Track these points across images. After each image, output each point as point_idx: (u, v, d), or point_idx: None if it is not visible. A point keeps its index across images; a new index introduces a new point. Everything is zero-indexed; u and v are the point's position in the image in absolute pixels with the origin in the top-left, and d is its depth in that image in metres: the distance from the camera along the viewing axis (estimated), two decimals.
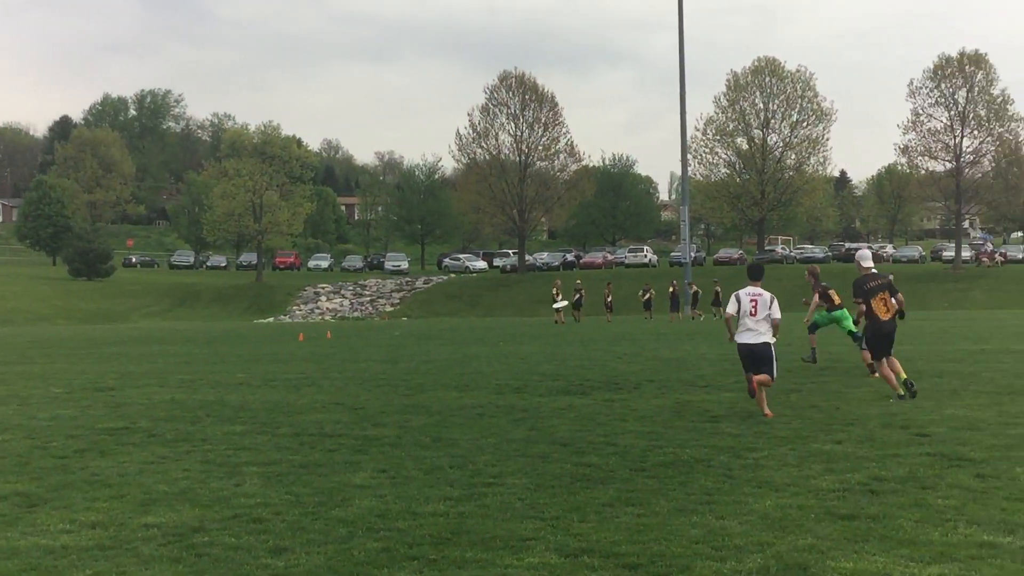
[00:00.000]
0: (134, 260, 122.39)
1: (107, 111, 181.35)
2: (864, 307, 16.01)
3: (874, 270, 16.36)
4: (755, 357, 14.29)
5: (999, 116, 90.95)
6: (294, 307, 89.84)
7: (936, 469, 9.99)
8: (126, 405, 17.16)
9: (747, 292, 14.45)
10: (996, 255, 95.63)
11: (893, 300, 15.95)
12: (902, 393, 15.36)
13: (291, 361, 27.71)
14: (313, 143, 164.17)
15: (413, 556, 7.31)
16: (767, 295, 14.38)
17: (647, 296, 61.43)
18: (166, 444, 12.75)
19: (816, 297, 22.15)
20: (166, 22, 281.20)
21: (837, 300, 22.02)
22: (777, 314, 14.37)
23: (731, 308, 14.50)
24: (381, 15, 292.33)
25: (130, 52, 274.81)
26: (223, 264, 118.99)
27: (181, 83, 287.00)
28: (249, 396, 18.34)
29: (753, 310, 14.30)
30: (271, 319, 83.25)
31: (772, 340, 14.35)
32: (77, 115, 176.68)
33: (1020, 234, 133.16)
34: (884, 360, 16.03)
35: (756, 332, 14.30)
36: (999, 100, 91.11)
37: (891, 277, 16.31)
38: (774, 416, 13.91)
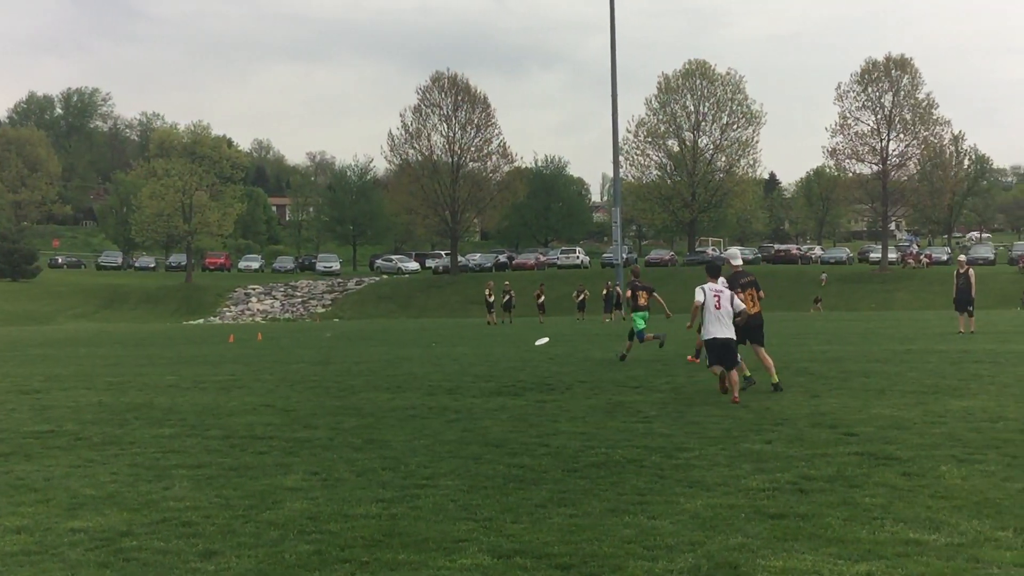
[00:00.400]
0: (60, 261, 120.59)
1: (32, 110, 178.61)
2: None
3: (743, 268, 18.22)
4: (727, 350, 15.58)
5: (924, 120, 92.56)
6: (224, 308, 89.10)
7: (863, 468, 10.12)
8: (52, 408, 16.89)
9: (709, 287, 15.68)
10: (922, 257, 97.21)
11: (760, 295, 17.70)
12: (737, 391, 15.77)
13: (221, 363, 27.44)
14: (244, 143, 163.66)
15: (345, 559, 7.27)
16: (727, 292, 15.76)
17: (581, 297, 61.79)
18: (93, 447, 12.57)
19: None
20: (94, 20, 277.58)
21: (643, 301, 25.03)
22: (740, 306, 15.83)
23: (699, 297, 15.62)
24: (313, 15, 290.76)
25: (56, 50, 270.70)
26: (152, 265, 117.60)
27: (109, 82, 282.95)
28: (178, 398, 18.14)
29: (717, 304, 15.58)
30: (201, 320, 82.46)
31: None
32: (1, 114, 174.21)
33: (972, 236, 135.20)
34: (759, 349, 17.40)
35: (725, 326, 15.59)
36: (924, 104, 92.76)
37: (753, 277, 17.98)
38: (705, 417, 14.01)
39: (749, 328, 17.06)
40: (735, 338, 15.71)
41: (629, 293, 25.43)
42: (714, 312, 15.49)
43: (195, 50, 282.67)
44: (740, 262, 18.36)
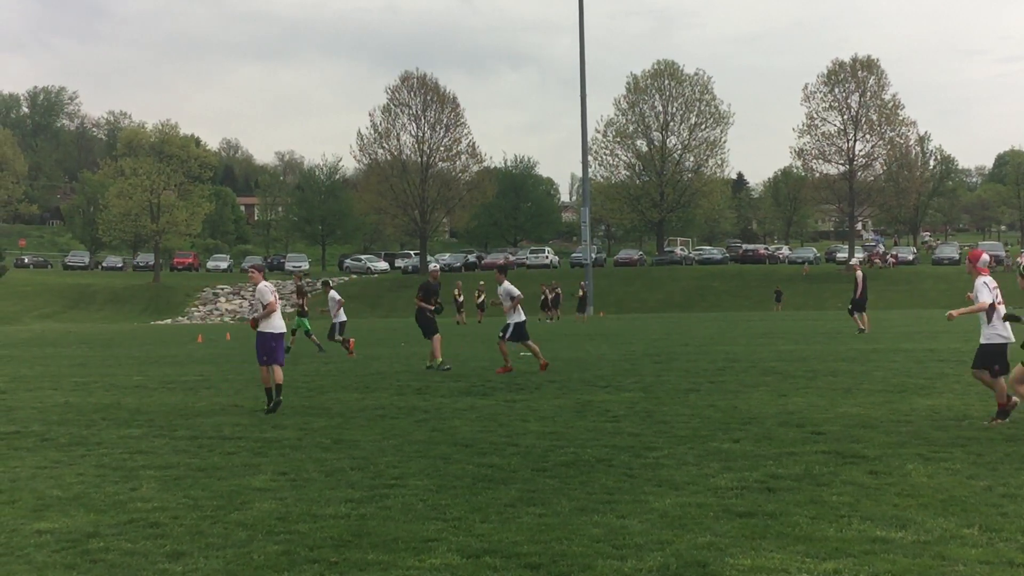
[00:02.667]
0: (27, 260, 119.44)
1: None
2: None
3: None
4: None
5: (890, 120, 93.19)
6: (192, 308, 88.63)
7: (831, 466, 10.19)
8: (18, 409, 16.76)
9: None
10: (888, 257, 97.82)
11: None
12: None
13: (189, 363, 27.32)
14: (212, 142, 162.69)
15: (314, 559, 7.25)
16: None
17: (554, 295, 61.91)
18: (60, 448, 12.49)
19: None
20: (58, 18, 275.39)
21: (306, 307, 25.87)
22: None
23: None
24: (281, 14, 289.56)
25: (21, 49, 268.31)
26: (119, 265, 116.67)
27: (75, 81, 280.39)
28: (146, 399, 18.05)
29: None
30: (169, 320, 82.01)
31: None
32: None
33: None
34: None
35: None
36: (890, 105, 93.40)
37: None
38: (674, 416, 14.06)
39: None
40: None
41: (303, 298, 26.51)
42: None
43: (162, 49, 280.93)
44: (437, 267, 19.71)
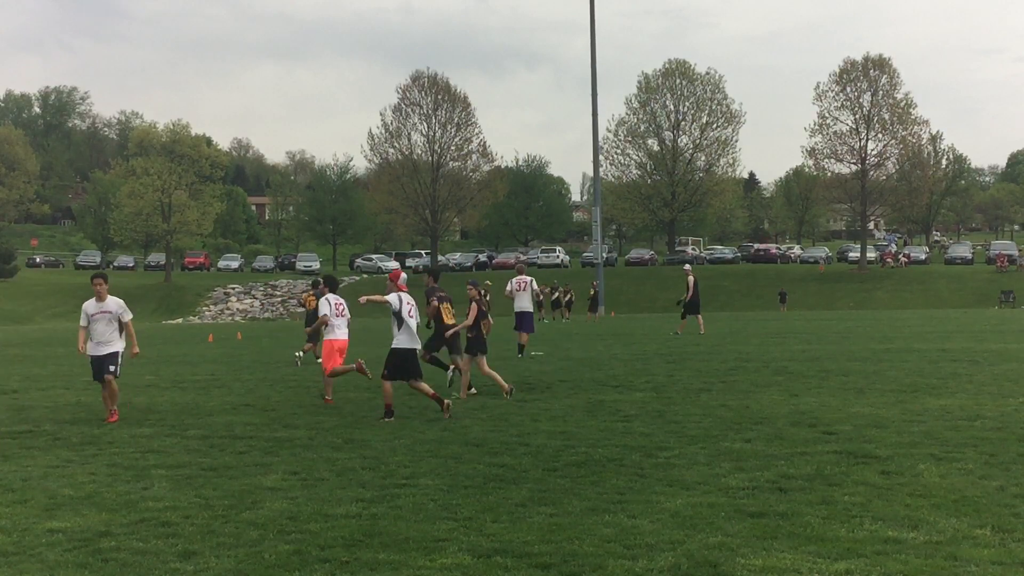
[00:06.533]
0: (38, 260, 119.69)
1: (10, 108, 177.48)
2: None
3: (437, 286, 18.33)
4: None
5: (902, 119, 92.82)
6: (204, 308, 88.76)
7: (842, 467, 10.16)
8: (30, 408, 16.81)
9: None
10: (900, 256, 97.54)
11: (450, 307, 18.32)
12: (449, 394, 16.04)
13: (201, 363, 27.36)
14: (223, 142, 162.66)
15: (325, 559, 7.26)
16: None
17: (567, 296, 61.75)
18: (72, 447, 12.52)
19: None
20: (72, 18, 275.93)
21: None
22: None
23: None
24: (295, 14, 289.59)
25: (38, 49, 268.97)
26: (131, 264, 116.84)
27: (88, 81, 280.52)
28: (157, 398, 18.08)
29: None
30: (180, 320, 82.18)
31: None
32: None
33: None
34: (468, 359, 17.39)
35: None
36: (902, 104, 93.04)
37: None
38: (685, 416, 14.04)
39: (439, 336, 17.58)
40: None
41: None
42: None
43: (175, 49, 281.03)
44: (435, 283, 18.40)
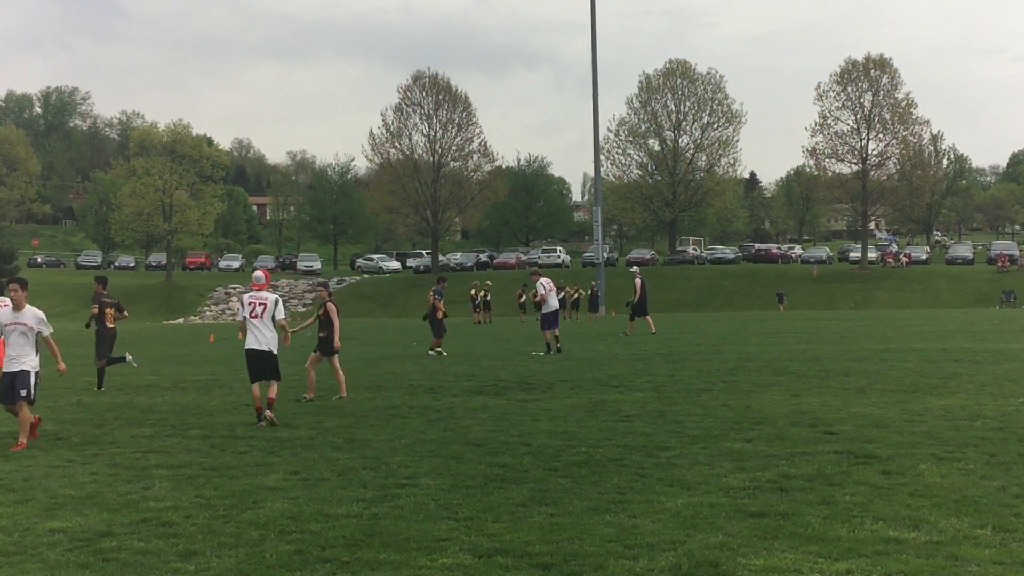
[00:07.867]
0: (39, 260, 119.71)
1: (11, 108, 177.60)
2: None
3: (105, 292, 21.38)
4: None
5: (903, 119, 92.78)
6: (205, 308, 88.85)
7: (843, 467, 10.16)
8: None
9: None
10: (901, 256, 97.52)
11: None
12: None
13: (201, 363, 27.37)
14: (224, 142, 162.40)
15: (326, 558, 7.26)
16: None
17: (575, 295, 61.75)
18: (72, 447, 12.53)
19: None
20: (72, 18, 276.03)
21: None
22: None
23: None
24: (295, 14, 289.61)
25: (38, 49, 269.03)
26: (131, 264, 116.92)
27: (89, 81, 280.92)
28: (158, 398, 18.09)
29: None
30: (181, 320, 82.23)
31: None
32: None
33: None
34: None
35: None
36: (903, 104, 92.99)
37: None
38: (686, 416, 14.04)
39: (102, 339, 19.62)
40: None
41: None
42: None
43: (175, 49, 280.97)
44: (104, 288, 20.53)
